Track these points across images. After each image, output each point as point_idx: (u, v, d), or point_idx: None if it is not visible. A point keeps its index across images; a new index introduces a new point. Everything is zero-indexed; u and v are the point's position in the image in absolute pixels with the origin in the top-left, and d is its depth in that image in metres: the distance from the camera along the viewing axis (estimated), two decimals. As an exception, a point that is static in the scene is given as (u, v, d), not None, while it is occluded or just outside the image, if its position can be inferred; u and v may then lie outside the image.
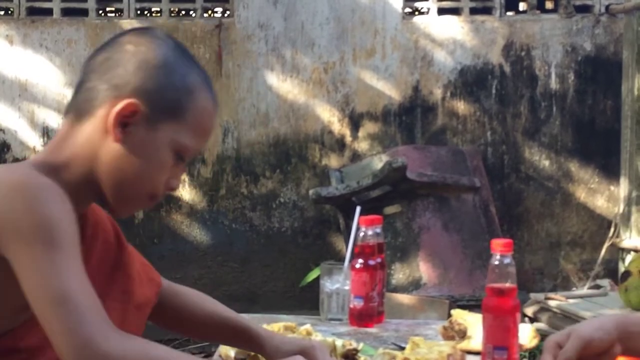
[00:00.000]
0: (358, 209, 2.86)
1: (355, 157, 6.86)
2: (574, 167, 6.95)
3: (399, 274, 6.19)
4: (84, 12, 6.90)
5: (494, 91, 6.92)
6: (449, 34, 6.92)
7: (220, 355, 2.35)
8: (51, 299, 1.68)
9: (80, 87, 1.91)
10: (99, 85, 1.87)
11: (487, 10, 6.99)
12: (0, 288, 1.81)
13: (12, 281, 1.75)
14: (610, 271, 6.66)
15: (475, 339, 2.37)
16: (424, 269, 6.17)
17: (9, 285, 1.77)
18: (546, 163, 6.94)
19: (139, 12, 7.03)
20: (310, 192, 6.39)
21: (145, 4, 7.00)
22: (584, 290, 6.19)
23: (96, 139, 1.86)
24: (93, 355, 1.66)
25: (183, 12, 7.32)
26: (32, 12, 6.92)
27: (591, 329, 1.78)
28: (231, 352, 2.33)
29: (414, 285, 6.11)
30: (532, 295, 5.90)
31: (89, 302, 1.71)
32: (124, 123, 1.85)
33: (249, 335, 2.18)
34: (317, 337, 2.37)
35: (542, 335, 2.50)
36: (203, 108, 1.92)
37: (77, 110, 1.90)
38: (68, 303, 1.68)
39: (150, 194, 1.92)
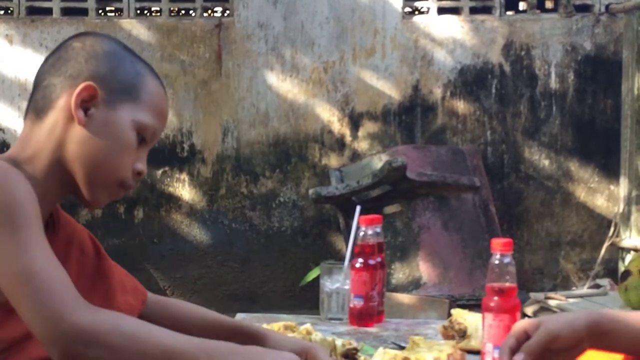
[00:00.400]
0: (358, 208, 2.84)
1: (355, 156, 6.87)
2: (573, 166, 6.96)
3: (399, 273, 6.20)
4: (83, 12, 6.92)
5: (493, 91, 6.93)
6: (449, 34, 6.93)
7: None
8: (18, 277, 1.68)
9: (35, 90, 1.95)
10: (53, 80, 1.92)
11: (487, 10, 7.01)
12: None
13: None
14: (610, 271, 6.68)
15: (475, 338, 2.37)
16: (423, 269, 6.18)
17: None
18: (546, 162, 6.96)
19: (138, 11, 7.05)
20: (310, 191, 6.41)
21: (145, 4, 7.01)
22: (584, 290, 6.20)
23: (60, 128, 1.90)
24: (64, 328, 1.64)
25: (183, 12, 7.33)
26: (32, 11, 6.94)
27: (561, 324, 1.77)
28: None
29: (414, 285, 6.12)
30: (532, 295, 5.91)
31: (57, 277, 1.70)
32: (85, 108, 1.89)
33: (248, 336, 2.17)
34: (317, 336, 2.33)
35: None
36: (155, 89, 1.96)
37: (35, 109, 1.93)
38: (35, 279, 1.67)
39: (119, 180, 1.93)
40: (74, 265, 2.00)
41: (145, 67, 1.97)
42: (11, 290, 1.69)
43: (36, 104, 1.93)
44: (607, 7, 6.94)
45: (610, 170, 6.85)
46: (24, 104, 6.66)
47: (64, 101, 1.89)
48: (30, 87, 6.65)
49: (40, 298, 1.67)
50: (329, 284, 2.84)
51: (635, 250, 6.07)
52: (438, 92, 6.93)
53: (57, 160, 1.91)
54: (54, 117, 1.90)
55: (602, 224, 6.88)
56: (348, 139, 6.92)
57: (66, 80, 1.90)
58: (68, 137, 1.89)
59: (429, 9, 7.02)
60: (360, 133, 6.92)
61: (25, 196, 1.76)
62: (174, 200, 6.87)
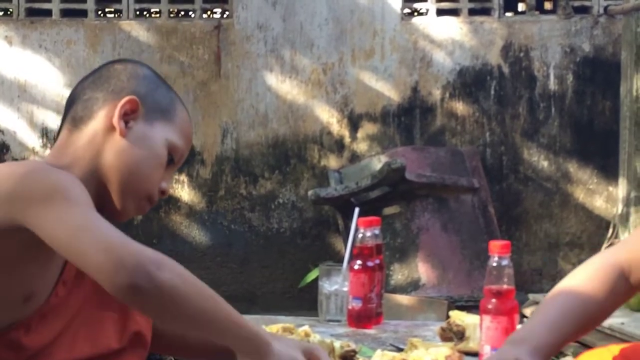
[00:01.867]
0: (356, 210, 2.84)
1: (354, 157, 6.86)
2: (572, 167, 6.95)
3: (398, 274, 6.19)
4: (83, 13, 6.91)
5: (492, 92, 6.92)
6: (448, 35, 6.92)
7: None
8: (80, 227, 1.78)
9: (73, 102, 2.05)
10: (95, 95, 2.02)
11: (485, 11, 6.99)
12: (13, 264, 1.89)
13: (26, 256, 1.88)
14: (609, 272, 6.63)
15: (474, 340, 2.37)
16: (422, 270, 6.17)
17: (22, 262, 1.89)
18: (545, 164, 6.95)
19: (138, 13, 7.03)
20: (309, 192, 6.41)
21: (145, 5, 7.02)
22: (583, 291, 6.18)
23: (99, 138, 2.00)
24: (135, 254, 1.75)
25: (182, 13, 7.31)
26: (31, 13, 6.92)
27: None
28: None
29: (413, 286, 6.12)
30: (531, 296, 5.89)
31: (115, 228, 1.82)
32: (126, 120, 2.01)
33: None
34: (316, 338, 2.36)
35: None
36: (185, 116, 2.10)
37: (74, 119, 2.03)
38: (97, 225, 1.80)
39: (148, 192, 2.03)
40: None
41: (176, 95, 2.12)
42: (73, 240, 1.78)
43: (75, 114, 2.03)
44: (605, 8, 6.92)
45: (609, 171, 6.83)
46: (23, 105, 6.80)
47: (104, 113, 2.01)
48: (29, 88, 6.78)
49: (106, 236, 1.77)
50: (327, 286, 2.85)
51: (634, 251, 6.04)
52: (437, 93, 6.91)
53: (94, 168, 2.00)
54: (94, 127, 2.01)
55: (600, 225, 6.86)
56: (347, 140, 6.91)
57: (108, 94, 2.02)
58: (107, 146, 2.00)
59: (428, 10, 7.01)
60: (360, 134, 6.91)
61: (77, 184, 1.89)
62: (173, 202, 6.87)
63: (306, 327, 2.43)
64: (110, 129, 2.00)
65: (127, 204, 2.02)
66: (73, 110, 2.04)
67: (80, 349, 2.00)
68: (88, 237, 1.77)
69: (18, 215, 1.82)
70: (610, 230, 6.43)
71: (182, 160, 2.10)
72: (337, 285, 2.83)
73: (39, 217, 1.81)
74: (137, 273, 1.74)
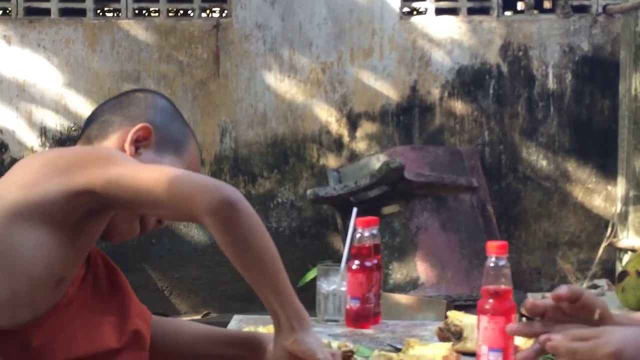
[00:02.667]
0: (355, 210, 2.83)
1: (353, 157, 6.87)
2: (571, 167, 6.96)
3: (397, 273, 6.19)
4: (81, 12, 6.91)
5: (491, 91, 6.93)
6: (447, 34, 6.92)
7: None
8: (161, 176, 1.88)
9: (91, 122, 2.13)
10: (113, 118, 2.10)
11: (484, 10, 6.99)
12: (62, 241, 1.94)
13: (72, 234, 1.94)
14: (608, 271, 6.66)
15: (471, 340, 2.35)
16: (421, 269, 6.18)
17: (69, 239, 1.94)
18: (544, 163, 6.95)
19: (136, 12, 7.04)
20: (308, 192, 6.41)
21: (143, 4, 7.02)
22: (582, 290, 6.18)
23: None
24: (220, 187, 1.85)
25: (181, 12, 7.32)
26: (30, 12, 6.93)
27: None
28: None
29: (412, 285, 6.12)
30: (530, 295, 5.69)
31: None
32: (137, 146, 2.07)
33: (244, 342, 2.22)
34: None
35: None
36: (196, 153, 2.17)
37: (89, 137, 2.10)
38: (177, 171, 1.90)
39: (144, 220, 2.10)
40: (91, 276, 2.11)
41: (191, 132, 2.17)
42: (155, 187, 1.86)
43: (90, 133, 2.10)
44: (604, 7, 6.92)
45: (607, 170, 6.84)
46: (22, 105, 6.80)
47: (118, 136, 2.07)
48: (28, 87, 6.79)
49: (189, 178, 1.88)
50: (325, 286, 2.83)
51: (633, 250, 6.05)
52: (436, 92, 6.92)
53: None
54: (106, 147, 2.07)
55: (599, 224, 6.87)
56: (346, 139, 6.92)
57: (125, 119, 2.09)
58: None
59: (426, 9, 7.01)
60: (358, 133, 6.92)
61: None
62: (172, 201, 6.86)
63: (304, 327, 2.41)
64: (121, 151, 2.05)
65: (118, 222, 2.07)
66: (89, 129, 2.10)
67: (79, 348, 2.01)
68: (177, 179, 1.86)
69: (80, 179, 1.89)
70: (609, 230, 6.44)
71: None
72: (335, 285, 2.82)
73: (113, 174, 1.89)
74: (231, 193, 1.85)
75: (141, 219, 2.10)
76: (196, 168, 2.13)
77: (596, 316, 1.79)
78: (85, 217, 1.94)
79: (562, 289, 1.82)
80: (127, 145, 2.05)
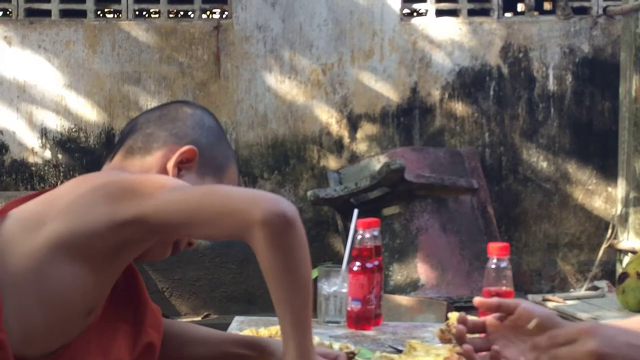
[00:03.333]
0: (355, 211, 2.82)
1: (354, 158, 6.87)
2: (571, 168, 6.96)
3: (397, 275, 6.19)
4: (82, 14, 6.93)
5: (491, 93, 6.93)
6: (447, 36, 6.93)
7: None
8: (207, 191, 1.83)
9: (134, 131, 2.06)
10: (158, 132, 2.04)
11: (485, 12, 7.00)
12: (99, 271, 1.89)
13: (109, 265, 1.89)
14: (608, 272, 6.68)
15: None
16: (422, 271, 6.18)
17: (105, 270, 1.90)
18: (544, 164, 6.96)
19: (137, 13, 7.05)
20: (309, 193, 6.40)
21: (144, 5, 7.03)
22: (582, 292, 6.19)
23: None
24: (275, 204, 1.77)
25: (181, 13, 7.30)
26: (31, 13, 6.94)
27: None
28: None
29: (412, 287, 6.12)
30: (530, 297, 5.90)
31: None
32: (180, 167, 2.02)
33: (250, 346, 2.21)
34: (315, 340, 2.21)
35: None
36: (234, 176, 2.13)
37: (131, 148, 2.04)
38: (223, 186, 1.90)
39: (177, 241, 2.06)
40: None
41: (232, 153, 2.15)
42: (205, 203, 1.79)
43: (134, 144, 2.04)
44: (604, 9, 6.93)
45: (608, 172, 6.85)
46: (23, 106, 6.80)
47: (162, 153, 2.02)
48: (28, 88, 6.79)
49: (243, 192, 1.80)
50: (326, 287, 2.83)
51: (633, 252, 6.06)
52: (436, 94, 6.92)
53: None
54: (149, 163, 2.02)
55: (599, 226, 6.88)
56: (346, 140, 6.92)
57: (171, 136, 2.03)
58: None
59: (427, 11, 7.02)
60: (359, 135, 6.93)
61: None
62: (172, 202, 6.86)
63: (305, 329, 2.41)
64: (163, 170, 2.00)
65: (154, 245, 2.01)
66: (132, 139, 2.04)
67: (92, 359, 1.99)
68: (229, 197, 1.79)
69: (126, 210, 1.83)
70: (610, 231, 6.46)
71: None
72: (336, 286, 2.82)
73: (160, 201, 1.82)
74: (292, 210, 1.79)
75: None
76: None
77: (530, 326, 1.74)
78: (126, 246, 1.89)
79: (493, 300, 1.79)
80: (170, 166, 2.01)
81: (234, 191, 1.81)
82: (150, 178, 1.91)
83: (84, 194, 1.87)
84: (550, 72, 6.93)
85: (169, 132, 2.04)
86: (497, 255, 2.08)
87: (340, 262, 2.87)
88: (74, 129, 6.84)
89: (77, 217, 1.85)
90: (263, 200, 1.77)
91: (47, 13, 6.91)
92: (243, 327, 2.69)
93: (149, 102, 6.77)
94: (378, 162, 6.37)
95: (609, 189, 6.91)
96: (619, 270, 5.98)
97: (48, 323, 1.87)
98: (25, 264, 1.84)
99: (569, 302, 5.64)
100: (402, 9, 6.97)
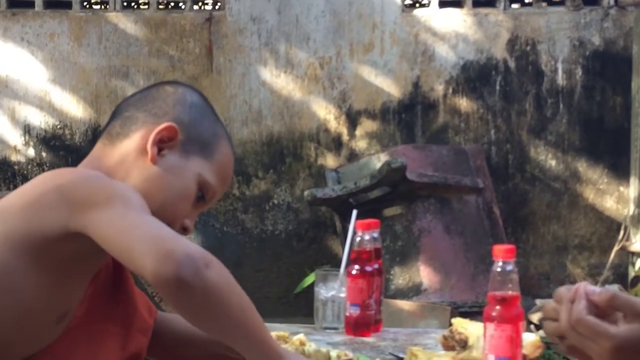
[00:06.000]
0: (354, 212, 2.84)
1: (353, 156, 6.85)
2: (581, 166, 6.93)
3: (399, 279, 6.17)
4: (67, 5, 6.96)
5: (498, 87, 6.91)
6: (451, 28, 6.90)
7: None
8: (131, 225, 1.78)
9: (115, 117, 2.06)
10: (137, 113, 2.03)
11: (490, 3, 6.99)
12: (59, 278, 1.88)
13: (72, 269, 1.89)
14: (620, 276, 6.66)
15: (477, 349, 2.34)
16: (424, 274, 6.15)
17: (67, 276, 1.88)
18: (553, 163, 6.93)
19: (125, 4, 7.07)
20: (306, 193, 6.39)
21: (132, -4, 7.20)
22: (593, 296, 6.11)
23: (130, 159, 2.00)
24: (185, 250, 1.73)
25: (172, 5, 7.41)
26: (13, 4, 6.95)
27: None
28: None
29: (414, 291, 6.10)
30: (538, 301, 5.89)
31: (168, 228, 1.84)
32: (160, 147, 2.00)
33: None
34: (311, 347, 2.37)
35: (547, 344, 2.52)
36: (227, 154, 2.07)
37: (110, 134, 2.03)
38: (147, 224, 1.79)
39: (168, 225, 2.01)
40: (98, 280, 2.06)
41: (223, 130, 2.10)
42: (124, 236, 1.77)
43: (112, 130, 2.04)
44: (616, 0, 6.93)
45: (619, 170, 6.83)
46: (5, 101, 6.80)
47: (140, 135, 2.00)
48: (11, 83, 6.84)
49: (157, 230, 1.78)
50: (323, 292, 2.85)
51: (646, 254, 6.15)
52: (439, 89, 6.90)
53: None
54: (128, 146, 2.00)
55: (611, 227, 6.85)
56: (345, 138, 6.90)
57: (149, 116, 2.02)
58: (135, 169, 1.99)
59: (430, 2, 7.01)
60: (358, 132, 6.90)
61: (132, 189, 1.91)
62: (163, 203, 6.78)
63: (301, 336, 2.43)
64: (143, 152, 1.99)
65: None
66: (112, 126, 2.04)
67: None
68: (139, 232, 1.77)
69: (77, 219, 1.83)
70: (622, 233, 6.45)
71: (214, 199, 2.07)
72: (334, 291, 2.83)
73: (96, 219, 1.81)
74: (185, 266, 1.72)
75: None
76: (228, 171, 2.07)
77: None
78: (88, 253, 1.88)
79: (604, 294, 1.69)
80: (149, 146, 1.98)
81: (147, 234, 1.77)
82: (104, 188, 1.87)
83: (47, 193, 1.88)
84: (559, 66, 6.91)
85: (148, 112, 2.03)
86: (503, 258, 2.04)
87: (338, 265, 2.90)
88: (58, 126, 6.85)
89: (32, 215, 1.87)
90: (158, 257, 1.73)
91: (31, 4, 6.91)
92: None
93: (138, 98, 6.71)
94: (378, 161, 6.34)
95: (621, 188, 6.88)
96: (632, 273, 6.08)
97: (13, 327, 1.88)
98: None
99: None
100: (403, 0, 6.97)
